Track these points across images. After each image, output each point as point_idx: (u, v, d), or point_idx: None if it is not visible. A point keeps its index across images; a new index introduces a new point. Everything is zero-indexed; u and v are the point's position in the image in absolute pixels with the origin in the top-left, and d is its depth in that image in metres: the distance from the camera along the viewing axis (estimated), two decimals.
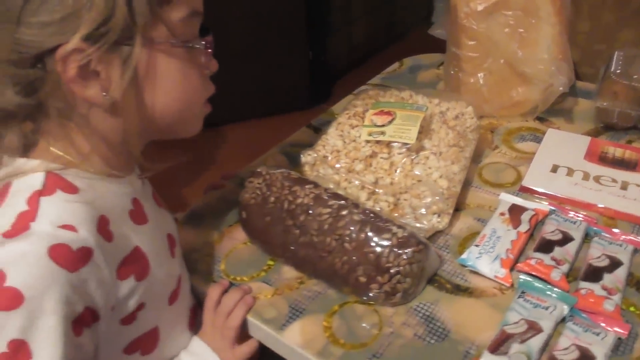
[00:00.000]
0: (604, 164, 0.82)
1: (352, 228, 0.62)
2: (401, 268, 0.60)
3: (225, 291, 0.68)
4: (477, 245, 0.67)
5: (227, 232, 0.77)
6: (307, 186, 0.68)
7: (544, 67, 0.89)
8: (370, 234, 0.61)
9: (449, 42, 0.96)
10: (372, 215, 0.63)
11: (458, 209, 0.75)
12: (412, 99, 0.88)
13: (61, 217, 0.47)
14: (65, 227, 0.46)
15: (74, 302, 0.46)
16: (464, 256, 0.67)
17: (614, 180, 0.78)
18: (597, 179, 0.79)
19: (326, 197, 0.66)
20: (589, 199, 0.76)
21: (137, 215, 0.56)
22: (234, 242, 0.76)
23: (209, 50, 0.54)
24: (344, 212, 0.64)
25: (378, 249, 0.60)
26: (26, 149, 0.51)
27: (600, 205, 0.75)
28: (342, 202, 0.65)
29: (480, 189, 0.80)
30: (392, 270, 0.60)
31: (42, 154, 0.50)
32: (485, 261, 0.65)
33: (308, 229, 0.65)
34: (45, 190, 0.48)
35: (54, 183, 0.49)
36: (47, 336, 0.45)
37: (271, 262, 0.72)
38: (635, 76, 0.89)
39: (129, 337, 0.56)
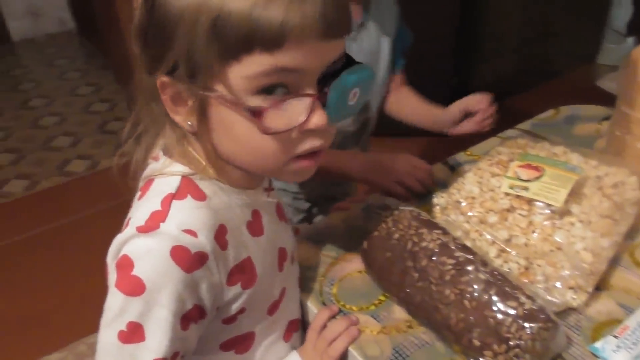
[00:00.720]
0: None
1: (475, 286, 0.59)
2: (522, 342, 0.55)
3: (333, 317, 0.68)
4: (616, 337, 0.59)
5: (345, 257, 0.78)
6: (435, 231, 0.65)
7: None
8: (494, 297, 0.57)
9: (620, 99, 0.87)
10: (499, 277, 0.59)
11: (599, 288, 0.67)
12: (565, 157, 0.81)
13: (186, 221, 0.51)
14: (187, 231, 0.50)
15: (184, 299, 0.50)
16: (597, 344, 0.59)
17: None
18: None
19: (453, 247, 0.63)
20: None
21: (254, 227, 0.59)
22: (350, 268, 0.76)
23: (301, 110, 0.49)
24: (470, 268, 0.60)
25: (500, 316, 0.56)
26: (172, 150, 0.55)
27: None
28: (470, 256, 0.61)
29: (630, 271, 0.71)
30: (511, 343, 0.55)
31: (182, 158, 0.55)
32: (623, 358, 0.57)
33: (428, 276, 0.63)
34: (178, 194, 0.52)
35: (186, 188, 0.53)
36: (159, 326, 0.49)
37: (383, 298, 0.70)
38: None
39: (227, 335, 0.60)
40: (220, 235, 0.53)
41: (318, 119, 0.49)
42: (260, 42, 0.44)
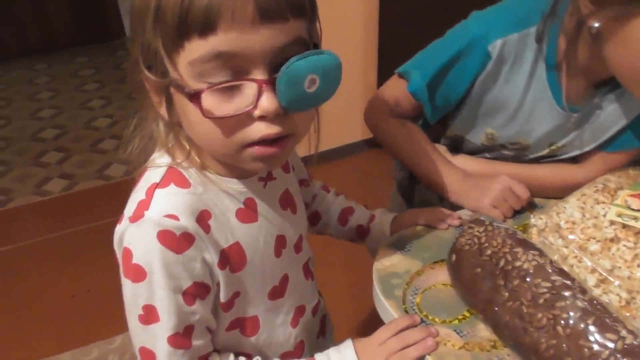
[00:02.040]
0: None
1: (571, 313, 0.56)
2: None
3: (412, 326, 0.68)
4: None
5: (431, 268, 0.77)
6: (531, 251, 0.63)
7: None
8: (591, 327, 0.54)
9: None
10: (599, 307, 0.56)
11: None
12: None
13: (166, 207, 0.54)
14: (169, 216, 0.54)
15: (180, 277, 0.55)
16: None
17: None
18: None
19: (550, 270, 0.61)
20: None
21: (246, 214, 0.61)
22: (436, 280, 0.75)
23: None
24: (567, 293, 0.58)
25: (596, 347, 0.53)
26: (162, 142, 0.59)
27: None
28: (568, 281, 0.59)
29: None
30: None
31: (170, 150, 0.58)
32: None
33: (520, 296, 0.61)
34: (161, 183, 0.56)
35: (169, 177, 0.57)
36: (163, 304, 0.55)
37: (467, 314, 0.69)
38: None
39: (229, 318, 0.64)
40: (202, 219, 0.56)
41: (267, 104, 0.48)
42: (195, 28, 0.46)
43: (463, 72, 0.81)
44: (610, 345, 0.53)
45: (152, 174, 0.57)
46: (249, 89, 0.48)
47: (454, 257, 0.72)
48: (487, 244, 0.68)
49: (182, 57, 0.48)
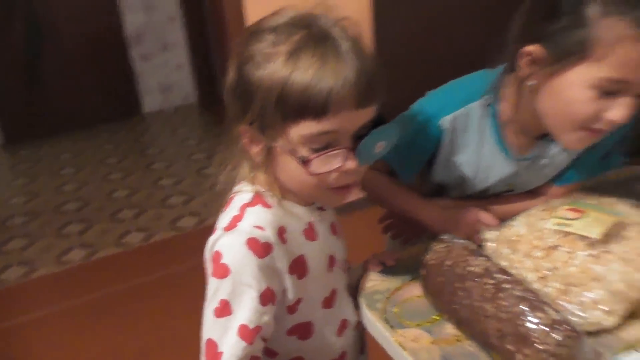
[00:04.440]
0: None
1: (510, 301, 0.69)
2: (549, 347, 0.64)
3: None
4: None
5: (408, 284, 0.90)
6: (480, 257, 0.77)
7: None
8: (525, 308, 0.67)
9: None
10: (531, 294, 0.69)
11: (634, 317, 0.74)
12: (612, 206, 0.89)
13: (256, 220, 0.71)
14: (257, 227, 0.70)
15: (260, 279, 0.69)
16: (625, 357, 0.66)
17: None
18: None
19: (494, 270, 0.74)
20: None
21: (309, 233, 0.78)
22: (411, 293, 0.88)
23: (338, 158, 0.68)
24: (507, 286, 0.71)
25: (529, 324, 0.66)
26: (247, 177, 0.76)
27: None
28: (508, 277, 0.72)
29: None
30: (539, 347, 0.64)
31: (254, 182, 0.75)
32: None
33: (472, 294, 0.74)
34: (251, 203, 0.73)
35: (256, 199, 0.74)
36: (241, 300, 0.68)
37: (437, 317, 0.82)
38: None
39: (290, 323, 0.78)
40: (281, 233, 0.73)
41: (350, 164, 0.68)
42: (312, 112, 0.64)
43: (422, 147, 0.98)
44: (538, 320, 0.65)
45: (242, 197, 0.75)
46: (339, 152, 0.67)
47: (423, 271, 0.85)
48: (447, 257, 0.81)
49: (295, 129, 0.66)
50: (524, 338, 0.66)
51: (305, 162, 0.67)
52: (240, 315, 0.68)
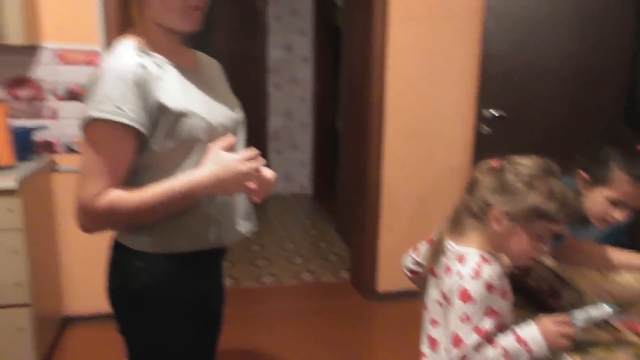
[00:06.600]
0: None
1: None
2: None
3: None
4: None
5: None
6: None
7: None
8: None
9: None
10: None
11: None
12: None
13: (490, 272, 1.07)
14: (494, 276, 1.07)
15: (492, 303, 1.07)
16: (592, 309, 1.10)
17: None
18: None
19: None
20: None
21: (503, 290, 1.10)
22: None
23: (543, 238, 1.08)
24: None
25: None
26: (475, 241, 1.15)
27: None
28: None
29: None
30: None
31: (474, 242, 1.15)
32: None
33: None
34: (484, 260, 1.09)
35: (486, 259, 1.10)
36: (482, 319, 1.06)
37: None
38: None
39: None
40: (503, 277, 1.10)
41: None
42: (550, 221, 1.08)
43: None
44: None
45: (473, 258, 1.10)
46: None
47: None
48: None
49: (534, 224, 1.09)
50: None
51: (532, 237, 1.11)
52: (481, 325, 1.05)
